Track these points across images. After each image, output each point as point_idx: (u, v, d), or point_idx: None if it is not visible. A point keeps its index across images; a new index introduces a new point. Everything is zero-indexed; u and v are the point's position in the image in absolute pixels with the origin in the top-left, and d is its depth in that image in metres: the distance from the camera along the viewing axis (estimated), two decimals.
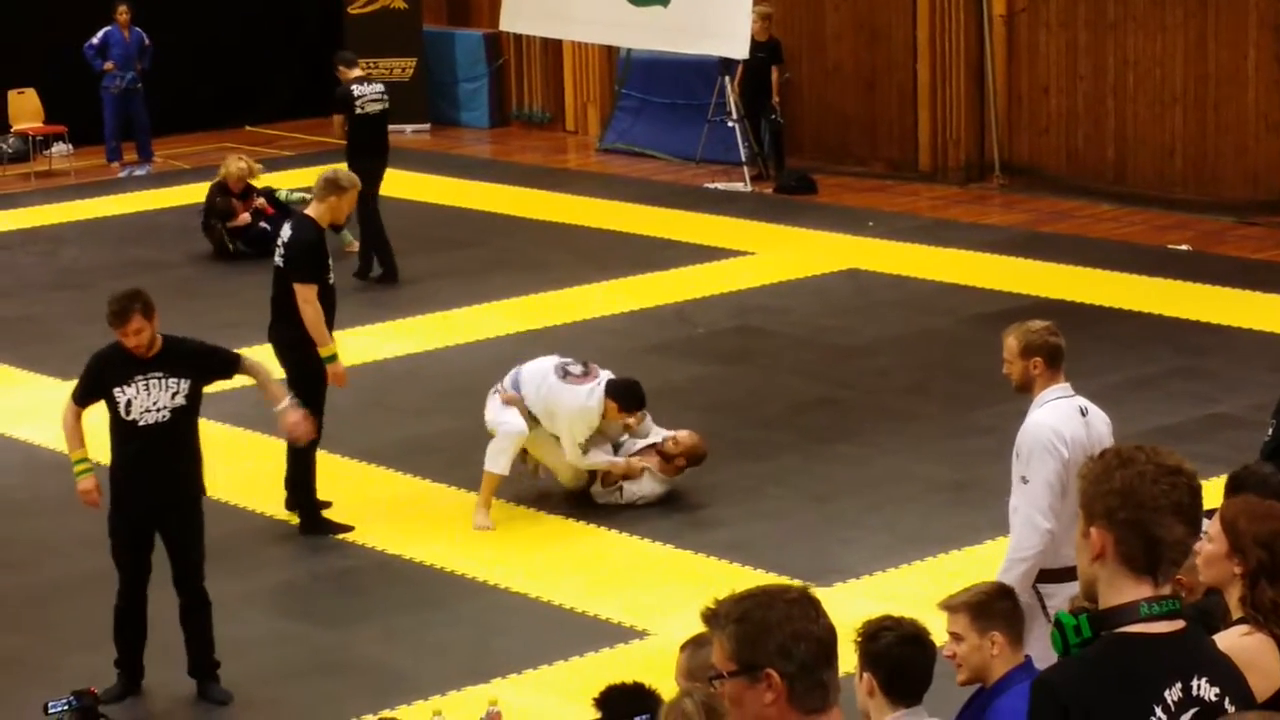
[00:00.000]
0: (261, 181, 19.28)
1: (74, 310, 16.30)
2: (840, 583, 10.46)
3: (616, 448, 11.95)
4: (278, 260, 11.66)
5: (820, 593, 4.00)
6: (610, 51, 23.72)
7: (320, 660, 10.03)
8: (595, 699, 6.14)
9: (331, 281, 11.68)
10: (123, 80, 22.57)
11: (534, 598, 10.58)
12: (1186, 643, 4.06)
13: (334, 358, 11.60)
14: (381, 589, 10.87)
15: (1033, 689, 4.05)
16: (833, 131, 21.97)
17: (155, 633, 9.63)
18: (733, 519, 11.65)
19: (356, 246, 18.44)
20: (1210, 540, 5.21)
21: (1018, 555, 7.70)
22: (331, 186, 11.79)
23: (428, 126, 25.10)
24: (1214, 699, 4.03)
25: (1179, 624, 4.04)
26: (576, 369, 11.71)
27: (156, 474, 9.39)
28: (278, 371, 11.16)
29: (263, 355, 11.07)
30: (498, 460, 11.54)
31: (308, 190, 13.14)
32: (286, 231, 11.74)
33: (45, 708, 8.05)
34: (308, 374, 11.56)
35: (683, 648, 5.73)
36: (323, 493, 11.79)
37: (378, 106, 17.48)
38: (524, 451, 11.83)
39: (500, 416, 11.60)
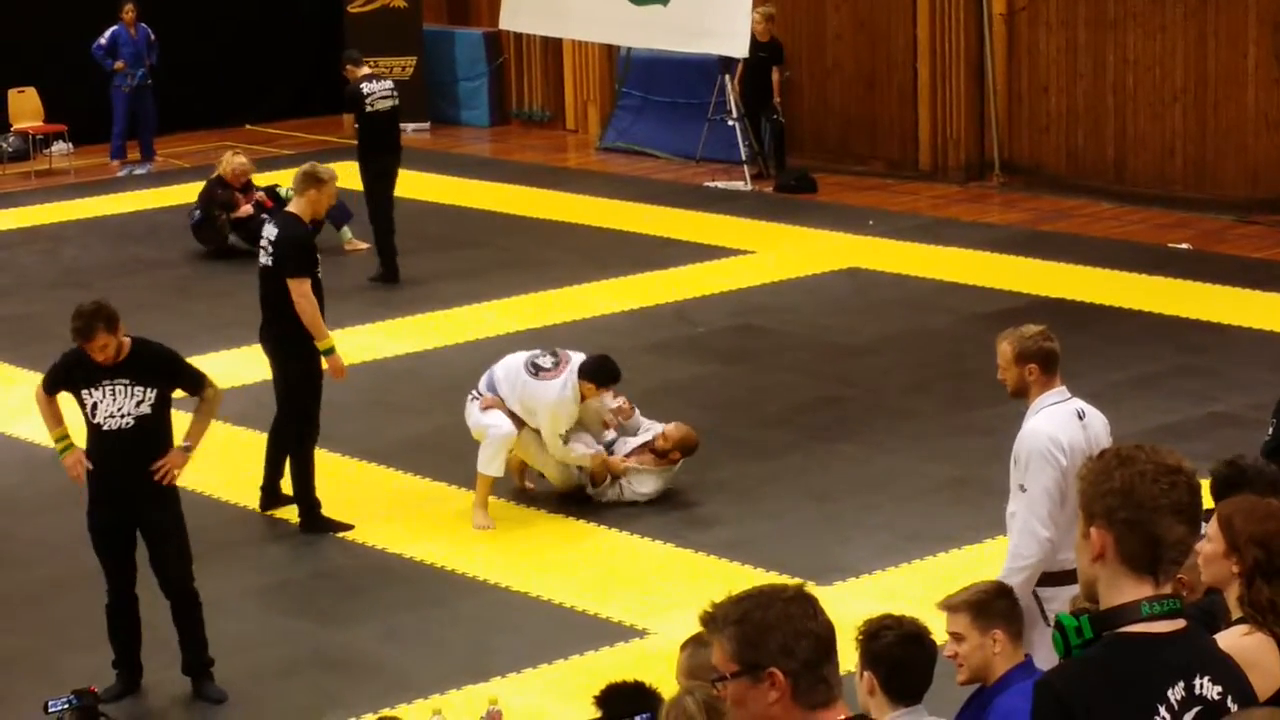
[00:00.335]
0: (261, 181, 19.27)
1: (74, 309, 16.24)
2: (840, 581, 10.46)
3: (609, 449, 11.93)
4: (265, 260, 11.62)
5: (820, 591, 4.01)
6: (610, 50, 23.71)
7: (320, 659, 10.02)
8: (595, 698, 6.13)
9: (320, 276, 11.67)
10: (134, 78, 22.57)
11: (534, 597, 10.58)
12: (1188, 642, 4.05)
13: (332, 350, 11.59)
14: (381, 587, 10.86)
15: (1035, 690, 4.04)
16: (833, 131, 21.98)
17: (153, 631, 9.62)
18: (733, 518, 11.64)
19: (358, 245, 18.45)
20: (1209, 540, 5.21)
21: (1016, 564, 7.65)
22: (310, 179, 11.75)
23: (428, 125, 25.12)
24: (1217, 698, 4.03)
25: (1180, 623, 4.03)
26: (547, 362, 11.65)
27: (126, 474, 9.36)
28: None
29: (255, 356, 10.98)
30: (491, 464, 11.54)
31: None
32: (272, 230, 11.69)
33: (45, 707, 8.03)
34: (301, 373, 11.56)
35: (683, 646, 5.74)
36: (321, 492, 11.79)
37: (388, 103, 17.47)
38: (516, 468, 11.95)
39: (485, 420, 11.57)
